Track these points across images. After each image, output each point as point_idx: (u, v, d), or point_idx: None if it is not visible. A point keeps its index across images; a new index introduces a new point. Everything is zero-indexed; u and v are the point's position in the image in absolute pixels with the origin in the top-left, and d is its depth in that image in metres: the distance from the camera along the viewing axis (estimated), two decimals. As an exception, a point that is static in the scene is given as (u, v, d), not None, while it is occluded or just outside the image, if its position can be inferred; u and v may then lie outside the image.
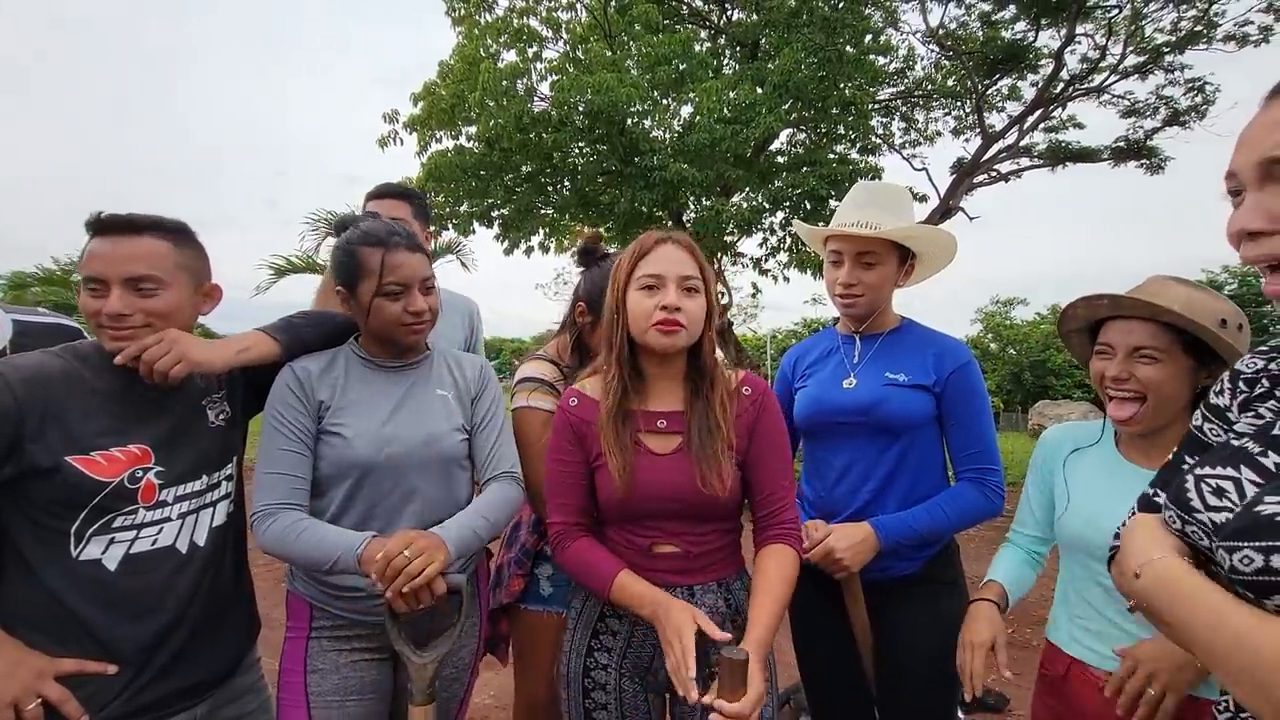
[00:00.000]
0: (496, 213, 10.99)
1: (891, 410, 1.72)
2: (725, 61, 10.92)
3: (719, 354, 1.54)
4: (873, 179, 9.76)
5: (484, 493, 1.65)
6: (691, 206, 10.29)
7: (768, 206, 10.00)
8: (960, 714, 3.01)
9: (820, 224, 1.83)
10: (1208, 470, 0.85)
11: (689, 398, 1.51)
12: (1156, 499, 0.97)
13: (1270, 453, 0.81)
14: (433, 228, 2.40)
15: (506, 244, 11.25)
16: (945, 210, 10.75)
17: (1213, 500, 0.82)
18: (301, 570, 1.59)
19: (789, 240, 10.73)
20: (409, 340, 1.62)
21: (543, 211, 11.27)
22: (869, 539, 1.66)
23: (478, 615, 1.77)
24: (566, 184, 10.82)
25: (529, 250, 11.74)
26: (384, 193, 2.26)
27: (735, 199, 10.31)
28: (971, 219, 11.90)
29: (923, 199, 11.45)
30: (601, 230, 10.61)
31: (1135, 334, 1.42)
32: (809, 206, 9.62)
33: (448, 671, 1.66)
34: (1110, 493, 1.48)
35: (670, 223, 10.53)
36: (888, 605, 1.74)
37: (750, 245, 12.29)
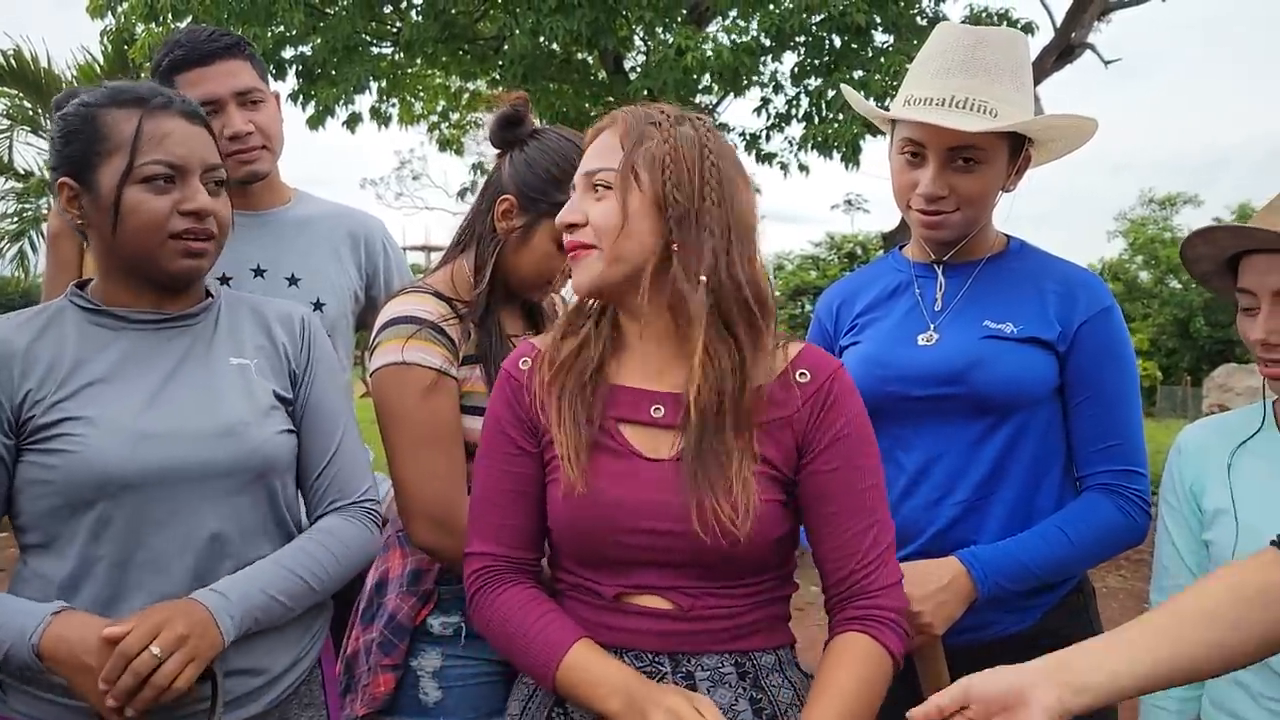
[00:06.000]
0: (291, 51, 7.05)
1: (995, 376, 1.37)
2: None
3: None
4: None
5: (311, 531, 1.24)
6: (638, 42, 7.29)
7: (769, 44, 6.46)
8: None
9: (878, 95, 1.13)
10: None
11: (707, 364, 1.05)
12: None
13: None
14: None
15: (312, 109, 7.30)
16: (1065, 49, 7.52)
17: None
18: None
19: (806, 103, 6.85)
20: (177, 265, 1.15)
21: (375, 51, 7.51)
22: (958, 581, 1.31)
23: None
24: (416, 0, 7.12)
25: (352, 120, 7.75)
26: (206, 54, 1.52)
27: (713, 30, 6.73)
28: (1107, 63, 8.02)
29: (1031, 30, 7.95)
30: (483, 84, 8.29)
31: (1276, 273, 1.20)
32: (838, 44, 6.21)
33: None
34: None
35: (604, 74, 7.59)
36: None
37: (740, 112, 9.15)
